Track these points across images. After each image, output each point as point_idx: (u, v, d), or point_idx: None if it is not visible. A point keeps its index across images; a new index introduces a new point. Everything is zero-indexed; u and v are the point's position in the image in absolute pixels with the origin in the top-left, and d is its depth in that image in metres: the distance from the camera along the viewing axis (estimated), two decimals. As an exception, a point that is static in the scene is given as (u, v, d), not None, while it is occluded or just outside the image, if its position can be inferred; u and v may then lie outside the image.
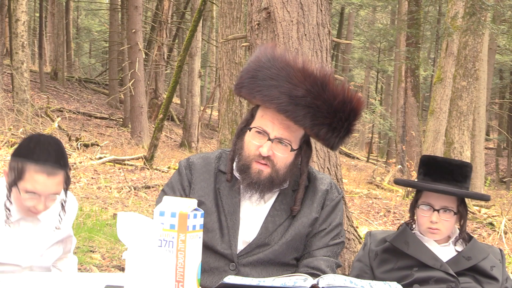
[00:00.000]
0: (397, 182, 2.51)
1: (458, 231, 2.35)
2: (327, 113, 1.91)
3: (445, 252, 2.28)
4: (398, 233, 2.33)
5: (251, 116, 2.03)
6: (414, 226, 2.38)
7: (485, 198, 2.41)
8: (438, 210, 2.24)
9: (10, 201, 2.08)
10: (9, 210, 2.08)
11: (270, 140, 1.95)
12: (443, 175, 2.27)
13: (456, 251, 2.28)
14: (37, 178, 2.00)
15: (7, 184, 2.07)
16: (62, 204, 2.18)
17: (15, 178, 2.02)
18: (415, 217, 2.35)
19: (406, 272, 2.24)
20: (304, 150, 2.04)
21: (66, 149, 2.26)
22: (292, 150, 1.98)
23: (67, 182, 2.11)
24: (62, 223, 2.22)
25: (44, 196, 2.04)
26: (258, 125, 1.97)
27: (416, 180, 2.42)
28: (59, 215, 2.20)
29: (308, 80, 1.91)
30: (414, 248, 2.26)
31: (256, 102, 2.00)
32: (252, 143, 1.98)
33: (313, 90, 1.90)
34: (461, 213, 2.27)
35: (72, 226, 2.45)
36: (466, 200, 2.34)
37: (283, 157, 1.97)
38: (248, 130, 2.01)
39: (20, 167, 2.01)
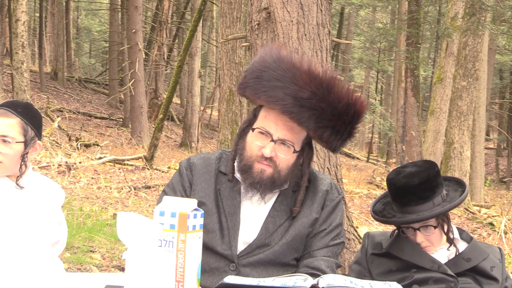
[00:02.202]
0: (375, 218, 2.40)
1: (457, 231, 2.35)
2: (331, 116, 1.91)
3: (443, 254, 2.27)
4: (393, 239, 2.32)
5: (254, 116, 2.03)
6: None
7: (459, 203, 2.30)
8: (419, 229, 2.23)
9: None
10: None
11: (273, 141, 1.94)
12: (409, 198, 2.21)
13: (451, 254, 2.27)
14: None
15: None
16: (22, 156, 2.21)
17: None
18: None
19: (405, 273, 2.24)
20: (306, 151, 2.04)
21: (42, 120, 2.32)
22: (294, 151, 1.98)
23: (25, 134, 2.18)
24: (23, 181, 2.22)
25: None
26: (261, 126, 1.97)
27: (389, 200, 2.36)
28: (20, 169, 2.23)
29: (313, 82, 1.90)
30: (410, 253, 2.25)
31: (260, 103, 2.00)
32: (255, 144, 1.98)
33: (319, 92, 1.90)
34: (441, 223, 2.24)
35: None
36: (466, 201, 2.32)
37: (286, 158, 1.97)
38: (251, 131, 2.00)
39: None
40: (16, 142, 2.15)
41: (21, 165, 2.23)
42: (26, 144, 2.19)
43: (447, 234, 2.26)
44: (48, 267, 2.22)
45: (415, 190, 2.19)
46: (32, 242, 2.15)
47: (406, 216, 2.21)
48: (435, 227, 2.22)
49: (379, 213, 2.35)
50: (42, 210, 2.22)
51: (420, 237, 2.23)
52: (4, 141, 2.13)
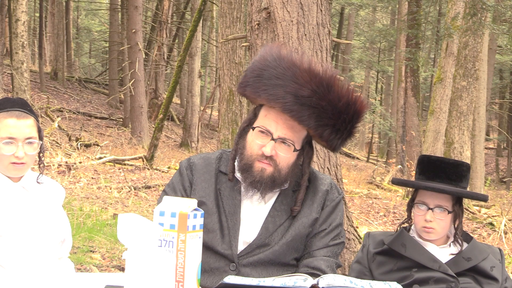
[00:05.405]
0: (394, 181, 2.52)
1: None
2: (331, 114, 1.91)
3: (444, 253, 2.28)
4: (396, 236, 2.33)
5: (254, 115, 2.03)
6: (412, 229, 2.38)
7: (480, 197, 2.39)
8: (432, 209, 2.24)
9: None
10: None
11: (274, 140, 1.95)
12: (437, 174, 2.27)
13: (451, 254, 2.27)
14: (8, 122, 2.10)
15: None
16: (39, 155, 2.22)
17: None
18: (412, 216, 2.35)
19: (405, 273, 2.24)
20: (306, 150, 2.04)
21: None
22: (295, 150, 1.98)
23: (39, 131, 2.19)
24: (26, 180, 2.21)
25: (20, 141, 2.10)
26: (261, 125, 1.97)
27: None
28: (39, 166, 2.24)
29: (314, 80, 1.91)
30: (412, 250, 2.25)
31: (260, 101, 2.00)
32: (255, 143, 1.98)
33: (319, 90, 1.90)
34: (456, 213, 2.26)
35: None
36: (466, 201, 2.34)
37: (286, 157, 1.97)
38: (251, 130, 2.01)
39: None
40: (37, 142, 2.17)
41: (39, 164, 2.25)
42: (42, 141, 2.21)
43: (456, 228, 2.27)
44: (57, 267, 2.22)
45: (447, 167, 2.27)
46: (42, 241, 2.15)
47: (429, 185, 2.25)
48: (449, 212, 2.24)
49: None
50: (47, 209, 2.22)
51: (430, 216, 2.23)
52: (31, 143, 2.13)
